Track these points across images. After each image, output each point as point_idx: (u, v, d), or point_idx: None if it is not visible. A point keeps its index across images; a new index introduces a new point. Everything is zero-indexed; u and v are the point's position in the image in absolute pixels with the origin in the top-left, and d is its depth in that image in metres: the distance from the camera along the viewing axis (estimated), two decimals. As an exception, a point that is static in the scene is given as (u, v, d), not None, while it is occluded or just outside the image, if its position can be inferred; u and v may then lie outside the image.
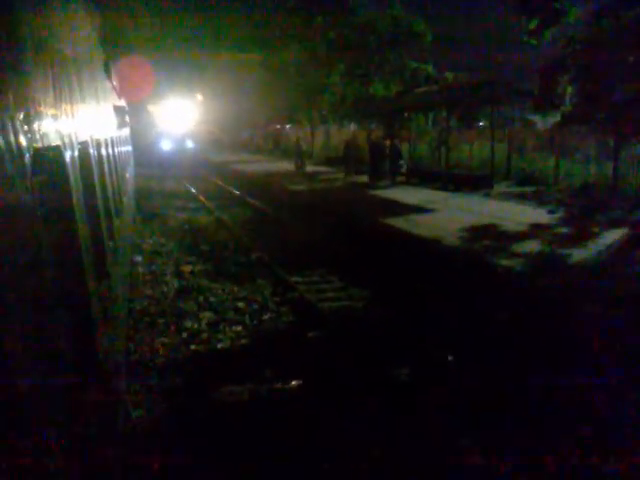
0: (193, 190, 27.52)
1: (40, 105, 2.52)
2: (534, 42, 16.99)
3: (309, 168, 33.41)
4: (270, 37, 34.47)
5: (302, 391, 6.77)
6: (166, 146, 44.59)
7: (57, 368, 2.30)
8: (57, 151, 2.82)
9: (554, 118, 20.83)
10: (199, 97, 49.53)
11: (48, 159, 2.60)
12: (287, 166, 34.77)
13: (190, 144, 49.14)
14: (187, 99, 48.39)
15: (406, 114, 31.87)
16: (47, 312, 2.21)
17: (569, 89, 18.00)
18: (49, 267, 2.30)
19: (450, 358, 7.38)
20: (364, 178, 27.42)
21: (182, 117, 47.70)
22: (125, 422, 5.63)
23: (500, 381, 6.64)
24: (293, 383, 6.91)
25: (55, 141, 2.78)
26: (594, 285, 9.20)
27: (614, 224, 13.75)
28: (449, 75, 35.88)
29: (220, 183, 30.28)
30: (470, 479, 4.93)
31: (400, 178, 26.66)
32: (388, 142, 29.05)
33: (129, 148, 20.95)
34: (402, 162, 27.99)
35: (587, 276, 9.74)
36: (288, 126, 55.06)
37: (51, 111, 2.83)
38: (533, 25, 16.70)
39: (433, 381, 6.81)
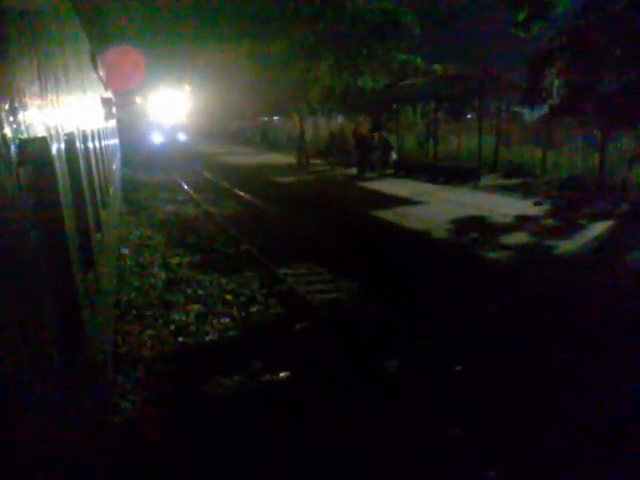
0: (188, 188, 27.37)
1: (25, 95, 2.49)
2: (522, 34, 17.07)
3: (294, 160, 33.38)
4: (258, 28, 34.25)
5: (290, 382, 6.78)
6: (157, 139, 42.44)
7: (43, 360, 2.28)
8: (43, 142, 2.79)
9: (541, 110, 20.95)
10: (187, 88, 48.26)
11: (34, 150, 2.57)
12: (279, 159, 34.72)
13: (182, 137, 46.84)
14: (177, 90, 46.91)
15: (394, 106, 31.89)
16: (32, 303, 2.19)
17: (556, 82, 18.10)
18: (35, 258, 2.28)
19: (439, 350, 7.42)
20: (352, 170, 27.44)
21: (173, 108, 45.90)
22: (112, 415, 5.62)
23: (488, 372, 6.69)
24: (281, 374, 6.92)
25: (41, 132, 2.75)
26: (581, 277, 9.28)
27: (601, 216, 13.87)
28: (437, 67, 35.86)
29: (210, 176, 30.16)
30: (456, 466, 4.97)
31: (388, 171, 26.72)
32: (376, 134, 29.08)
33: (116, 140, 20.79)
34: (393, 153, 28.04)
35: (574, 268, 9.83)
36: (276, 118, 54.93)
37: (36, 101, 2.80)
38: (521, 17, 16.77)
39: (421, 372, 6.84)
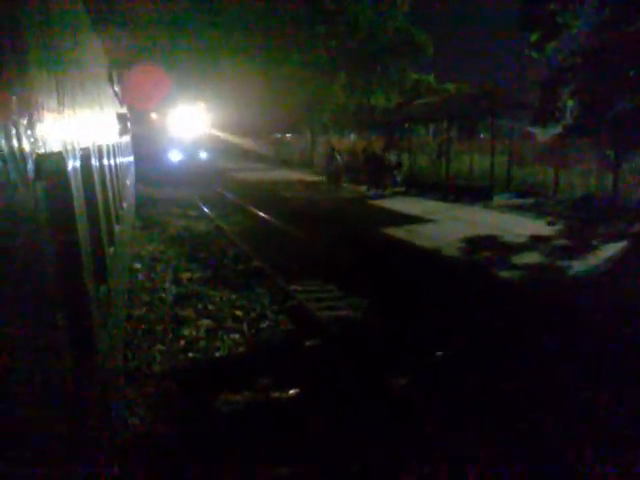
0: (201, 204, 27.41)
1: (43, 110, 2.53)
2: (536, 55, 17.11)
3: (308, 177, 33.45)
4: (272, 46, 34.62)
5: (299, 399, 6.75)
6: (175, 156, 39.81)
7: (55, 373, 2.29)
8: (59, 157, 2.82)
9: (554, 130, 20.92)
10: (201, 105, 47.79)
11: (50, 165, 2.60)
12: (291, 175, 34.84)
13: (203, 154, 44.59)
14: (195, 106, 45.13)
15: (406, 125, 32.00)
16: (46, 315, 2.21)
17: (570, 101, 18.10)
18: (49, 272, 2.30)
19: (449, 367, 7.36)
20: (361, 189, 27.50)
21: (192, 124, 43.78)
22: (121, 429, 5.61)
23: (496, 391, 6.63)
24: (290, 391, 6.89)
25: (57, 147, 2.78)
26: (593, 297, 9.20)
27: (614, 236, 13.77)
28: (450, 86, 36.06)
29: (224, 192, 30.29)
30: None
31: (400, 189, 26.74)
32: (389, 153, 29.14)
33: (130, 155, 20.97)
34: (396, 172, 28.10)
35: (586, 288, 9.75)
36: (289, 135, 55.26)
37: (54, 117, 2.83)
38: (534, 38, 16.82)
39: (430, 389, 6.78)
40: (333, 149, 30.94)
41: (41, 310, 2.15)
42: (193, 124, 43.74)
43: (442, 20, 42.70)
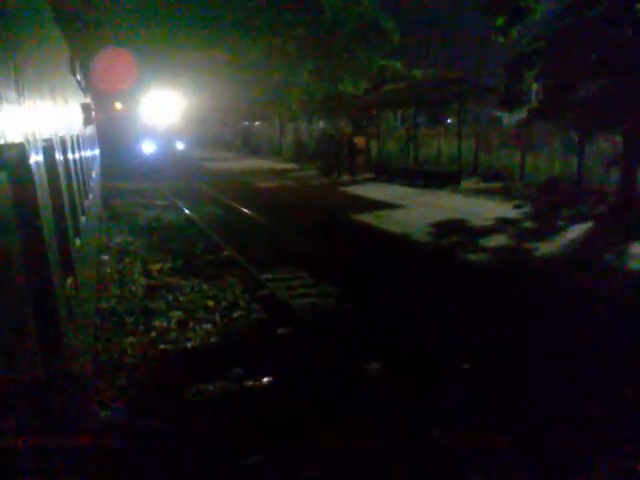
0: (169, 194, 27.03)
1: (2, 101, 2.47)
2: (501, 39, 17.27)
3: (278, 165, 33.34)
4: (239, 33, 34.25)
5: (273, 387, 6.77)
6: (148, 147, 36.66)
7: (21, 367, 2.26)
8: (21, 148, 2.77)
9: (520, 114, 21.17)
10: (175, 92, 44.96)
11: (11, 156, 2.55)
12: (262, 164, 34.65)
13: (180, 144, 42.18)
14: (169, 93, 41.61)
15: (375, 111, 32.05)
16: (10, 308, 2.17)
17: (535, 85, 18.33)
18: (13, 264, 2.26)
19: (415, 347, 7.45)
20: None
21: (166, 113, 40.36)
22: (92, 423, 5.56)
23: (461, 370, 6.74)
24: (264, 379, 6.90)
25: (18, 138, 2.73)
26: (559, 277, 9.39)
27: (579, 218, 14.05)
28: (417, 72, 36.15)
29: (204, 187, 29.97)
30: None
31: (369, 174, 26.82)
32: (358, 139, 29.16)
33: (95, 145, 20.58)
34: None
35: (552, 269, 9.94)
36: (257, 123, 54.91)
37: (13, 107, 2.77)
38: (500, 23, 16.97)
39: (400, 372, 6.86)
40: (332, 136, 31.61)
41: (6, 303, 2.11)
42: (167, 112, 40.87)
43: (407, 6, 42.68)
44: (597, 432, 5.27)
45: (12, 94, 2.81)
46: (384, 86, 32.87)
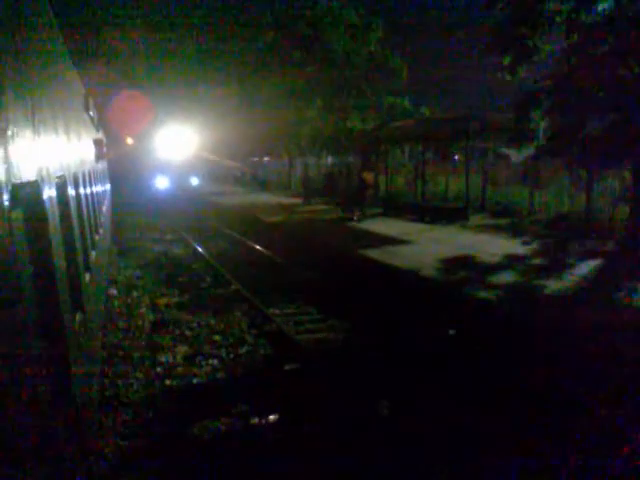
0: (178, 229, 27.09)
1: (18, 139, 2.53)
2: (508, 77, 17.48)
3: (287, 200, 33.46)
4: (248, 71, 34.88)
5: (279, 425, 6.70)
6: (162, 183, 35.02)
7: (29, 400, 2.26)
8: (35, 185, 2.82)
9: (528, 150, 21.27)
10: (189, 127, 44.06)
11: (26, 194, 2.60)
12: (272, 199, 34.84)
13: (194, 180, 40.18)
14: (182, 129, 40.45)
15: (383, 147, 32.30)
16: (22, 342, 2.19)
17: (542, 123, 18.46)
18: (25, 300, 2.29)
19: (427, 389, 7.37)
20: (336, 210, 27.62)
21: (180, 148, 38.83)
22: (97, 460, 5.52)
23: (473, 410, 6.65)
24: (270, 417, 6.84)
25: (33, 175, 2.78)
26: (569, 315, 9.31)
27: (588, 255, 13.98)
28: (425, 109, 36.56)
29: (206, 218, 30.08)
30: None
31: (376, 210, 26.86)
32: (367, 174, 29.27)
33: (106, 180, 20.83)
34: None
35: (562, 306, 9.86)
36: (266, 158, 55.38)
37: (29, 145, 2.83)
38: (507, 61, 17.20)
39: (410, 415, 6.78)
40: (341, 172, 32.43)
41: (17, 338, 2.13)
42: (181, 147, 39.25)
43: (415, 46, 43.44)
44: None
45: (28, 132, 2.88)
46: (392, 122, 33.20)
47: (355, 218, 24.98)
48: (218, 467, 5.68)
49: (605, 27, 14.99)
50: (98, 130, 15.79)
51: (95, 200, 10.27)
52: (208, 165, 56.44)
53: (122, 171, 30.24)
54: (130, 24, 30.55)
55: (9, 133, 2.33)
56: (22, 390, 2.16)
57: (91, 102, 11.78)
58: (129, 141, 36.34)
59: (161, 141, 37.98)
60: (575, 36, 16.10)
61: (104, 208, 14.67)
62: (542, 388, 7.07)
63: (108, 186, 21.81)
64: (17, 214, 2.36)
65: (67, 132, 5.62)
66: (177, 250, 19.29)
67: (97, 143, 12.76)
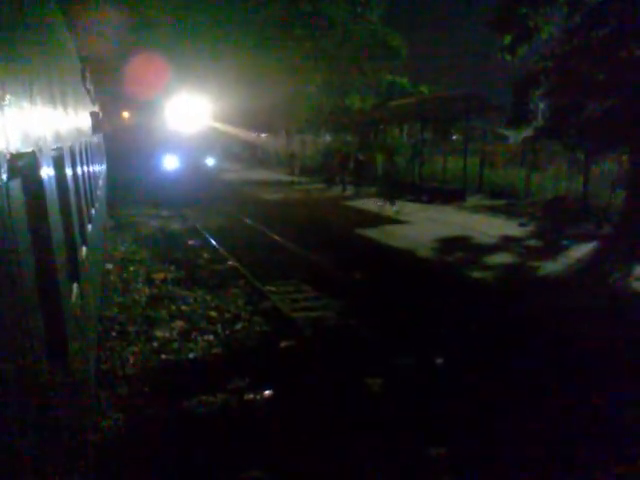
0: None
1: (15, 110, 2.50)
2: (508, 58, 17.36)
3: (284, 177, 33.38)
4: (248, 47, 34.49)
5: (274, 400, 6.75)
6: (171, 164, 28.94)
7: (25, 372, 2.27)
8: (32, 156, 2.79)
9: (526, 132, 21.22)
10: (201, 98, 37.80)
11: (23, 164, 2.58)
12: (268, 176, 34.64)
13: (210, 160, 34.69)
14: (194, 99, 33.84)
15: (381, 126, 32.17)
16: (18, 311, 2.18)
17: (541, 104, 18.39)
18: (21, 270, 2.28)
19: (416, 366, 7.41)
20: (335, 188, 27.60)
21: (192, 121, 32.62)
22: (93, 431, 5.56)
23: (461, 387, 6.70)
24: (265, 393, 6.88)
25: (30, 146, 2.76)
26: (562, 297, 9.36)
27: (584, 238, 14.02)
28: (424, 88, 36.34)
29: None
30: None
31: (374, 189, 26.85)
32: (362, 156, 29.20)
33: (102, 153, 20.65)
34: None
35: (556, 288, 9.91)
36: (264, 135, 55.08)
37: (26, 116, 2.80)
38: (507, 41, 17.07)
39: (400, 392, 6.83)
40: (338, 150, 31.19)
41: (14, 308, 2.13)
42: (194, 120, 33.01)
43: (415, 23, 43.03)
44: None
45: (25, 103, 2.84)
46: (391, 101, 33.03)
47: (344, 192, 25.17)
48: (213, 441, 5.73)
49: (607, 8, 14.86)
50: (94, 103, 15.64)
51: (91, 173, 10.21)
52: (221, 139, 49.10)
53: (121, 150, 26.58)
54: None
55: (6, 103, 2.30)
56: (17, 360, 2.15)
57: (87, 74, 11.66)
58: (126, 115, 34.06)
59: (169, 113, 32.38)
60: (577, 17, 15.96)
61: (100, 182, 14.59)
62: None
63: (104, 162, 21.53)
64: (14, 184, 2.34)
65: (64, 104, 5.56)
66: (174, 225, 19.19)
67: (93, 116, 12.64)
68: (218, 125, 41.32)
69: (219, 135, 44.01)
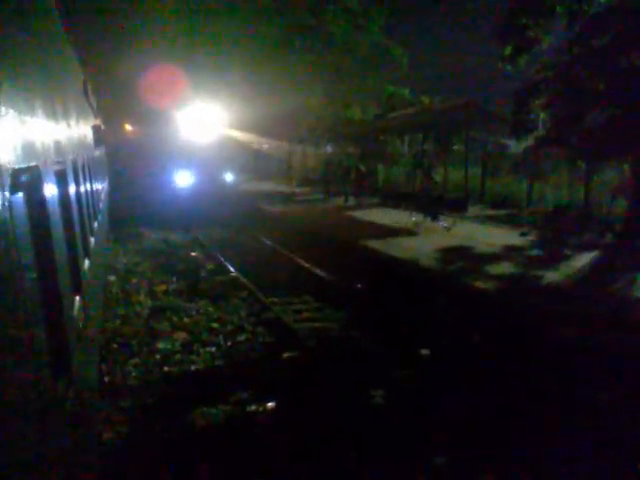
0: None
1: (18, 124, 2.53)
2: (509, 68, 17.43)
3: (286, 188, 33.37)
4: (251, 58, 34.64)
5: (276, 412, 6.73)
6: (183, 180, 25.66)
7: (28, 386, 2.27)
8: (35, 170, 2.82)
9: (527, 142, 21.25)
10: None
11: (26, 178, 2.60)
12: (269, 187, 34.59)
13: (229, 176, 31.90)
14: (210, 106, 31.80)
15: (382, 137, 32.23)
16: (21, 326, 2.19)
17: (543, 114, 18.42)
18: (25, 282, 2.29)
19: (418, 380, 7.38)
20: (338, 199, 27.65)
21: (207, 133, 29.91)
22: (96, 444, 5.54)
23: (460, 398, 6.68)
24: (268, 404, 6.87)
25: (33, 160, 2.78)
26: (564, 306, 9.33)
27: (586, 247, 13.99)
28: (425, 99, 36.40)
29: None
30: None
31: (376, 200, 26.88)
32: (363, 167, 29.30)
33: (104, 166, 20.59)
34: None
35: (558, 298, 9.88)
36: (265, 146, 55.15)
37: (29, 130, 2.83)
38: (508, 51, 17.14)
39: (400, 406, 6.81)
40: (340, 161, 31.31)
41: (17, 320, 2.14)
42: (209, 133, 30.44)
43: (416, 35, 43.21)
44: None
45: (28, 117, 2.87)
46: (392, 112, 33.11)
47: (346, 203, 25.17)
48: (216, 453, 5.71)
49: (607, 18, 14.92)
50: (96, 116, 15.73)
51: (94, 186, 10.25)
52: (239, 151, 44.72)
53: (127, 165, 24.64)
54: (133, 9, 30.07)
55: (9, 117, 2.33)
56: (19, 374, 2.16)
57: (89, 87, 11.74)
58: (131, 127, 32.03)
59: (179, 125, 29.47)
60: (576, 27, 16.03)
61: (102, 195, 14.64)
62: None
63: (106, 171, 21.36)
64: (17, 198, 2.36)
65: (66, 118, 5.60)
66: (176, 237, 19.18)
67: (95, 129, 12.71)
68: (231, 134, 38.30)
69: (231, 146, 40.91)
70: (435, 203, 19.89)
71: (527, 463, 5.38)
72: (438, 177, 26.32)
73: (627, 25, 14.43)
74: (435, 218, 18.80)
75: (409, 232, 17.21)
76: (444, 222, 17.88)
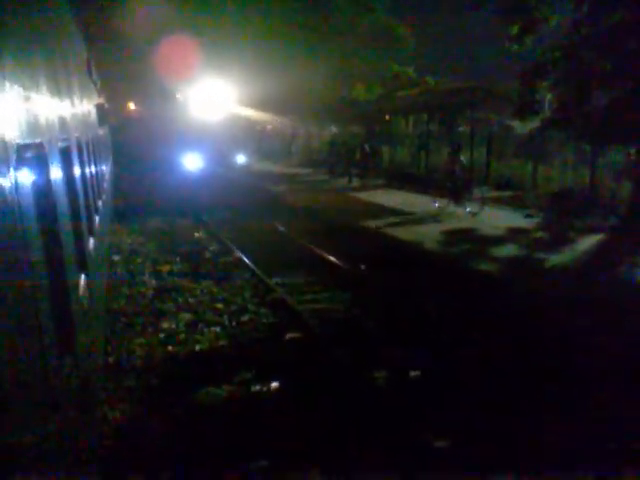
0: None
1: (24, 101, 2.50)
2: (515, 48, 17.24)
3: (290, 169, 33.24)
4: (253, 37, 34.34)
5: (280, 392, 6.76)
6: (192, 163, 24.37)
7: (33, 362, 2.27)
8: (40, 147, 2.79)
9: (533, 123, 21.07)
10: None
11: (31, 155, 2.57)
12: (273, 168, 34.46)
13: (241, 157, 31.28)
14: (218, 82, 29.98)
15: (387, 117, 32.04)
16: (25, 305, 2.18)
17: (549, 95, 18.25)
18: (29, 261, 2.28)
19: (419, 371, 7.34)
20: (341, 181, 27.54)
21: (216, 113, 28.94)
22: (101, 423, 5.58)
23: (463, 381, 6.69)
24: (272, 384, 6.89)
25: (38, 137, 2.75)
26: (568, 289, 9.33)
27: (591, 230, 13.95)
28: (430, 79, 36.11)
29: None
30: None
31: (380, 181, 26.79)
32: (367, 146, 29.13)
33: (108, 143, 20.49)
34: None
35: (562, 280, 9.87)
36: (269, 127, 54.90)
37: (34, 107, 2.80)
38: (514, 31, 16.93)
39: (405, 385, 6.83)
40: (345, 142, 30.38)
41: (21, 299, 2.13)
42: (217, 112, 29.12)
43: (423, 13, 42.81)
44: None
45: (33, 94, 2.84)
46: (397, 92, 32.87)
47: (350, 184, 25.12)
48: (220, 432, 5.74)
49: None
50: (100, 95, 15.65)
51: (98, 165, 10.22)
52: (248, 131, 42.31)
53: (130, 149, 23.31)
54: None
55: (14, 93, 2.30)
56: (27, 354, 2.16)
57: (93, 66, 11.66)
58: (134, 105, 31.50)
59: (188, 104, 28.02)
60: (585, 6, 15.81)
61: (107, 175, 14.62)
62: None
63: (110, 149, 21.18)
64: (23, 175, 2.34)
65: (70, 96, 5.55)
66: (180, 220, 19.13)
67: (99, 108, 12.65)
68: (240, 112, 36.40)
69: (241, 125, 38.75)
70: (461, 187, 18.61)
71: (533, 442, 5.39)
72: (434, 157, 26.17)
73: (635, 5, 14.24)
74: (459, 203, 17.84)
75: (411, 213, 17.13)
76: (469, 207, 17.20)
